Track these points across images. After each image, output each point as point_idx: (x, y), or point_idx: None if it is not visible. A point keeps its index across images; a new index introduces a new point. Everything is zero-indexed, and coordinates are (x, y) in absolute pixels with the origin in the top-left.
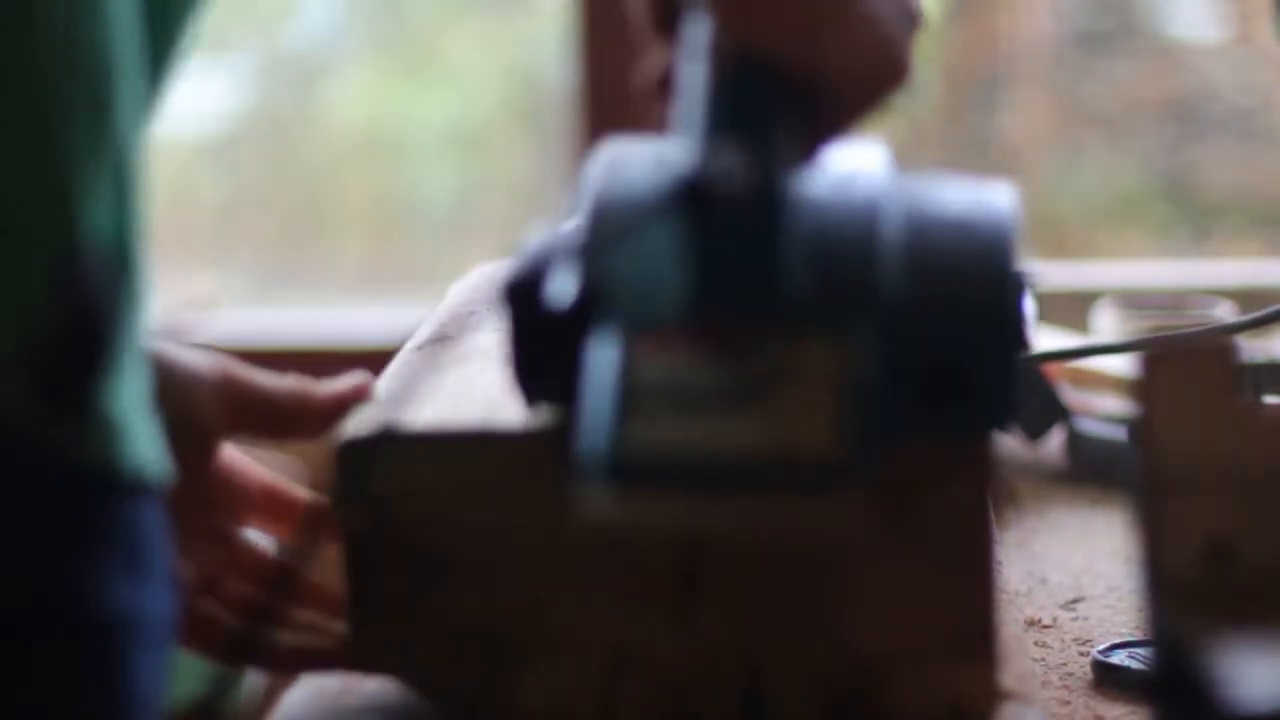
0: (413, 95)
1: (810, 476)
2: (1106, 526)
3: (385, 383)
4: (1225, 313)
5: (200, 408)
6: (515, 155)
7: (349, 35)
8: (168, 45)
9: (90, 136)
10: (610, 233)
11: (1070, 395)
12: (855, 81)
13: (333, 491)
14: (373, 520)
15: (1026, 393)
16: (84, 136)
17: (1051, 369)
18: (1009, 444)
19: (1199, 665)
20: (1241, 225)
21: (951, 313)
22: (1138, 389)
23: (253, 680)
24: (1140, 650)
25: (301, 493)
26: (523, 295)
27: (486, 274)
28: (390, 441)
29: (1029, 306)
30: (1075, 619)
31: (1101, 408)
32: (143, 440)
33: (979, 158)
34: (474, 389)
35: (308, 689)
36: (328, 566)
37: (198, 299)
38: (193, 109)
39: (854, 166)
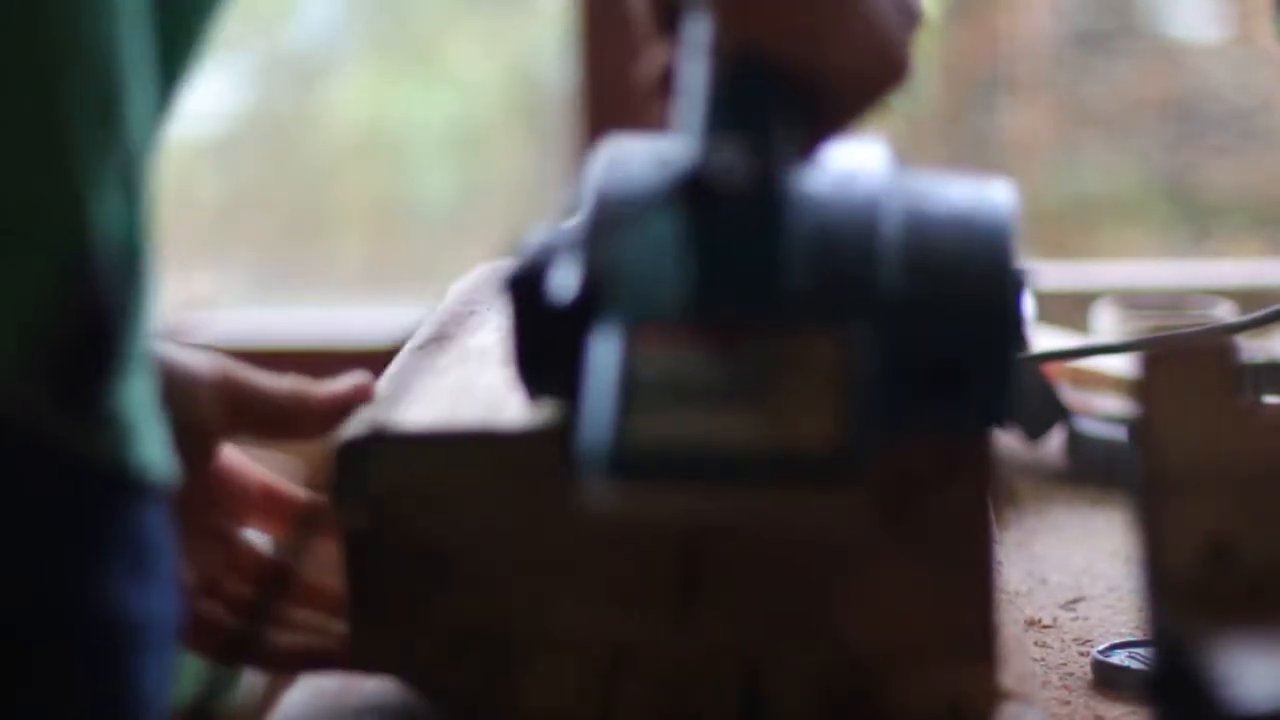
0: (413, 95)
1: (810, 471)
2: (1106, 526)
3: (385, 383)
4: (1225, 313)
5: (200, 408)
6: (515, 155)
7: (349, 35)
8: (181, 48)
9: (99, 137)
10: (612, 227)
11: (1070, 395)
12: (855, 80)
13: (331, 491)
14: (372, 520)
15: (1026, 392)
16: (93, 137)
17: (1051, 369)
18: (1009, 444)
19: (1199, 665)
20: (1241, 225)
21: (951, 310)
22: (1138, 389)
23: (252, 680)
24: (1140, 650)
25: (301, 493)
26: (525, 289)
27: (487, 273)
28: (389, 441)
29: (1028, 304)
30: (1075, 619)
31: (1101, 408)
32: (151, 441)
33: (979, 157)
34: (474, 388)
35: (307, 689)
36: (326, 566)
37: (198, 299)
38: (193, 109)
39: (854, 164)
